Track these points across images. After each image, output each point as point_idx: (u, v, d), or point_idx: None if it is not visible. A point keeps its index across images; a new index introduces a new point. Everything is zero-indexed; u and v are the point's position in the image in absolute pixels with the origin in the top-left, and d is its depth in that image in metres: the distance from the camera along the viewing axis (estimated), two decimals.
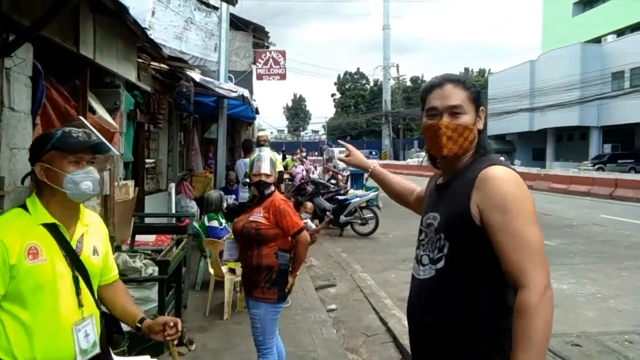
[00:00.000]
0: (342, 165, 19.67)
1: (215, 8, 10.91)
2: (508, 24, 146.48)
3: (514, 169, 1.48)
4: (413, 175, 24.82)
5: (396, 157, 46.99)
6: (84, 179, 1.66)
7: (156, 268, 3.90)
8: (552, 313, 1.32)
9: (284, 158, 16.07)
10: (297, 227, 3.12)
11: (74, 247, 1.70)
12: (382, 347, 4.44)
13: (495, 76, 43.48)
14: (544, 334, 1.29)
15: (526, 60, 37.86)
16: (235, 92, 7.93)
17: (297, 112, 78.98)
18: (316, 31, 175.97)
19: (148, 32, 7.38)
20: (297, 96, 79.69)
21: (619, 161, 29.18)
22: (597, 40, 34.40)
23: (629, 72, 29.86)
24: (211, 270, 5.29)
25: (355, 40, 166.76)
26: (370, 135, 62.08)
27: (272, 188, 3.22)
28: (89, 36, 3.98)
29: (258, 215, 3.11)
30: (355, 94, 65.90)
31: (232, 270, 5.06)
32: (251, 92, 10.97)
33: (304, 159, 15.05)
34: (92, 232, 1.80)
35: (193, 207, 8.24)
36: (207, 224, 5.99)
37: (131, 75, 5.26)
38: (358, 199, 10.02)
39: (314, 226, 7.75)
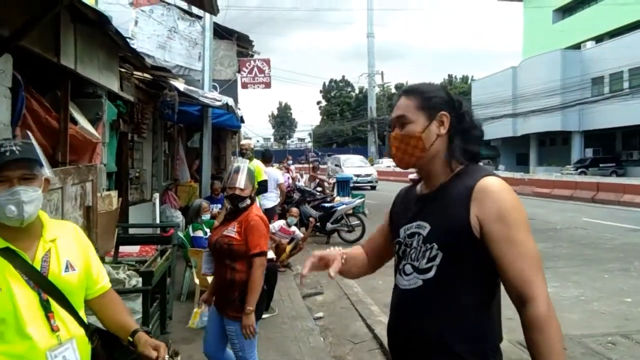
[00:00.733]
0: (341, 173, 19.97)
1: (199, 17, 10.92)
2: (490, 31, 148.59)
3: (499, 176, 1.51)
4: (400, 180, 24.96)
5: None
6: (8, 202, 1.46)
7: (140, 279, 3.85)
8: None
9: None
10: (258, 249, 2.96)
11: (39, 268, 1.54)
12: (369, 355, 4.44)
13: (479, 82, 44.07)
14: (561, 342, 1.32)
15: (508, 66, 38.46)
16: (220, 100, 7.92)
17: (282, 120, 79.05)
18: (301, 40, 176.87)
19: (131, 42, 7.37)
20: (283, 104, 79.86)
21: (601, 165, 29.77)
22: (577, 46, 35.12)
23: (608, 77, 30.51)
24: (197, 281, 5.25)
25: (339, 49, 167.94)
26: (356, 142, 62.32)
27: (248, 202, 3.10)
28: (69, 46, 3.95)
29: (231, 230, 3.02)
30: (340, 101, 66.25)
31: None
32: (236, 101, 10.97)
33: (290, 167, 15.06)
34: (61, 246, 1.62)
35: (178, 217, 8.18)
36: (191, 234, 5.95)
37: (113, 85, 5.23)
38: (344, 206, 10.04)
39: (301, 235, 7.74)
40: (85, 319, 1.66)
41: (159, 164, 8.80)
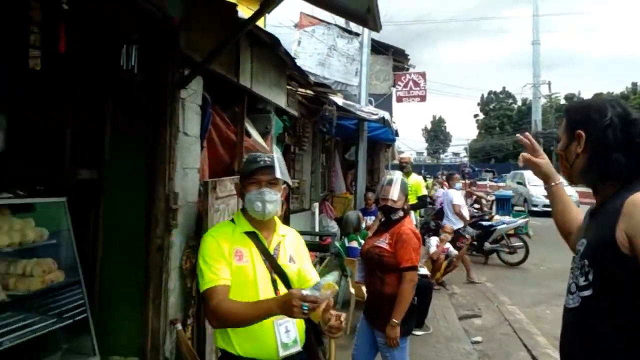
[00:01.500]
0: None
1: (357, 34, 11.29)
2: None
3: None
4: None
5: None
6: (257, 198, 1.90)
7: None
8: None
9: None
10: (409, 263, 2.92)
11: (272, 253, 1.94)
12: None
13: None
14: None
15: None
16: (376, 114, 8.04)
17: (436, 134, 77.25)
18: (457, 51, 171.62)
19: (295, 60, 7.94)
20: (437, 118, 78.06)
21: None
22: None
23: None
24: (352, 290, 5.34)
25: (498, 58, 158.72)
26: (517, 158, 57.74)
27: (401, 213, 3.10)
28: (247, 67, 4.38)
29: (383, 241, 3.03)
30: (500, 114, 62.29)
31: None
32: (390, 115, 11.04)
33: (445, 182, 14.57)
34: (287, 243, 2.04)
35: (334, 227, 8.47)
36: (347, 244, 6.10)
37: (281, 101, 5.65)
38: (505, 225, 9.36)
39: (455, 252, 7.41)
40: None
41: (317, 175, 9.23)
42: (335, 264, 5.83)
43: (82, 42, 3.02)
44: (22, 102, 3.26)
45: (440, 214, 10.30)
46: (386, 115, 8.35)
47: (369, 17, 3.28)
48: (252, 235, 1.94)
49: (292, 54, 9.95)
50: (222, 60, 3.74)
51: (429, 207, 11.65)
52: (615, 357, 1.35)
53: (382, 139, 11.46)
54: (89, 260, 3.22)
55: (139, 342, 3.17)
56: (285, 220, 6.72)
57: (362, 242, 6.08)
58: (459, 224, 7.99)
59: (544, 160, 1.80)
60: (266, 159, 1.94)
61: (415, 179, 7.34)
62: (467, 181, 14.72)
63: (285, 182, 2.01)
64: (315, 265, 4.55)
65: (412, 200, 7.75)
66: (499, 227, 9.29)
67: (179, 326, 3.25)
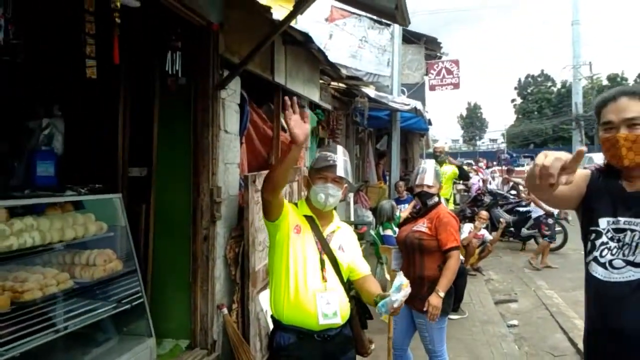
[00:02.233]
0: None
1: (388, 25, 11.29)
2: None
3: None
4: None
5: None
6: (321, 191, 2.17)
7: None
8: None
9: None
10: (452, 244, 3.05)
11: (325, 236, 2.21)
12: None
13: None
14: None
15: None
16: (408, 105, 8.11)
17: (472, 121, 75.63)
18: (492, 35, 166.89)
19: (327, 54, 8.07)
20: (472, 104, 76.41)
21: None
22: None
23: None
24: (387, 277, 5.48)
25: (536, 41, 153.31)
26: (557, 142, 56.02)
27: (436, 199, 3.23)
28: (281, 65, 4.57)
29: (422, 226, 3.15)
30: (539, 97, 60.34)
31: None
32: (424, 104, 11.05)
33: (480, 169, 14.44)
34: (340, 234, 2.29)
35: (369, 216, 8.61)
36: (382, 232, 6.24)
37: (314, 96, 5.82)
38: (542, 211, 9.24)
39: (490, 237, 7.43)
40: (345, 288, 2.24)
41: (352, 166, 9.36)
42: (371, 253, 5.99)
43: (132, 52, 3.28)
44: (79, 108, 3.56)
45: (474, 201, 10.28)
46: (418, 105, 8.40)
47: (397, 14, 3.39)
48: (310, 219, 2.22)
49: (324, 48, 10.11)
50: (257, 60, 3.94)
51: (465, 195, 11.61)
52: None
53: (415, 129, 11.48)
54: (143, 251, 3.51)
55: (189, 325, 3.44)
56: None
57: (397, 230, 6.22)
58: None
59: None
60: (335, 158, 2.20)
61: (448, 169, 7.42)
62: (504, 167, 14.53)
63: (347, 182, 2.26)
64: None
65: (447, 189, 7.80)
66: (535, 213, 9.18)
67: (225, 311, 3.50)
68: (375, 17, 11.45)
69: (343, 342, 2.20)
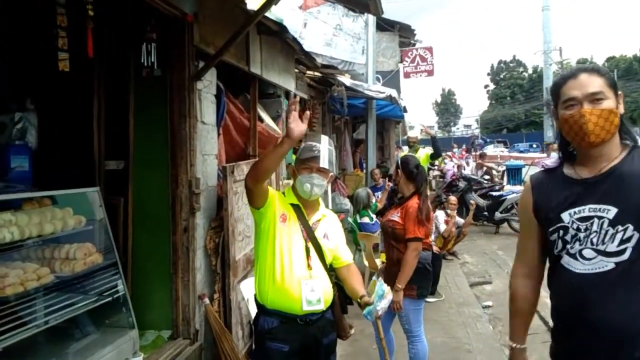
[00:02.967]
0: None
1: (362, 12, 11.31)
2: None
3: None
4: None
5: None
6: (307, 181, 2.22)
7: None
8: None
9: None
10: (411, 235, 3.16)
11: (310, 225, 2.28)
12: (543, 346, 4.21)
13: None
14: None
15: None
16: (383, 93, 8.18)
17: (446, 107, 76.55)
18: (466, 21, 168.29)
19: (302, 42, 8.06)
20: (446, 90, 77.27)
21: None
22: None
23: None
24: (366, 263, 5.61)
25: (508, 27, 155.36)
26: (529, 127, 57.26)
27: (412, 189, 3.36)
28: (256, 55, 4.57)
29: (395, 215, 3.32)
30: (511, 83, 61.39)
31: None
32: (399, 91, 11.14)
33: (454, 155, 14.68)
34: (326, 222, 2.36)
35: (347, 204, 8.70)
36: (359, 220, 6.34)
37: (290, 85, 5.84)
38: (515, 194, 9.49)
39: (462, 221, 7.60)
40: (328, 275, 2.32)
41: (336, 155, 9.41)
42: (349, 240, 6.09)
43: (107, 44, 3.25)
44: (53, 101, 3.51)
45: (449, 187, 10.48)
46: (393, 92, 8.48)
47: (371, 3, 3.45)
48: (296, 207, 2.27)
49: (299, 37, 10.07)
50: (233, 50, 3.94)
51: (440, 181, 11.81)
52: None
53: (390, 116, 11.60)
54: (123, 244, 3.51)
55: (171, 316, 3.47)
56: None
57: (373, 216, 6.33)
58: None
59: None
60: (320, 148, 2.24)
61: (422, 153, 7.64)
62: (477, 153, 14.82)
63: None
64: None
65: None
66: (509, 197, 9.44)
67: (207, 300, 3.54)
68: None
69: (325, 325, 2.28)
